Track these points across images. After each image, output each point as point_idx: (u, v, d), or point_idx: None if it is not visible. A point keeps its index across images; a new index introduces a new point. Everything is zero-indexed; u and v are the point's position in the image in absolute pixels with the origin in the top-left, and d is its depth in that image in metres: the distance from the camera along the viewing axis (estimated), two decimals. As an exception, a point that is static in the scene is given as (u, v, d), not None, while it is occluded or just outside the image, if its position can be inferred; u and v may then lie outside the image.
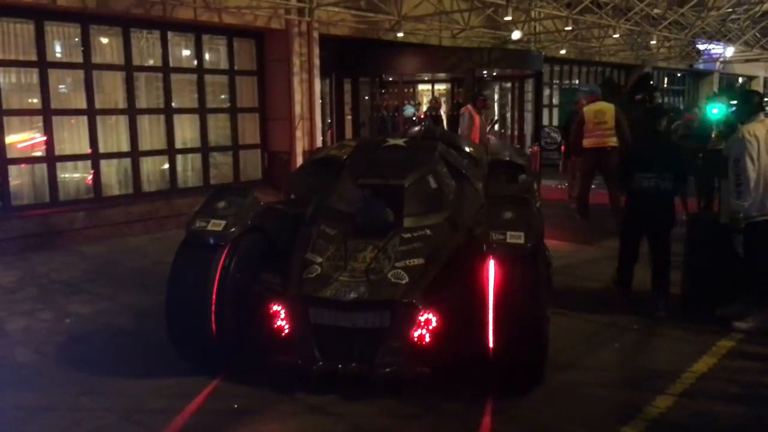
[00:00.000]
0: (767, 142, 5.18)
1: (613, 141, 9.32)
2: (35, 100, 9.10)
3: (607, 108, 9.49)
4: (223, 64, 11.47)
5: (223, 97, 11.53)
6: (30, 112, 9.17)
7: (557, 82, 20.72)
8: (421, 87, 18.22)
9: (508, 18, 12.72)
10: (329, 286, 4.11)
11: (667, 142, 6.92)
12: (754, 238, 5.26)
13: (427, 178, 5.13)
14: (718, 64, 25.22)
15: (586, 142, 9.50)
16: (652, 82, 21.30)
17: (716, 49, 21.85)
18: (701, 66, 25.50)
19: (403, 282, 4.10)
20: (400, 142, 5.84)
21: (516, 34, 13.74)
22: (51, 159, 9.17)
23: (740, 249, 5.38)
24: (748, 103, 5.46)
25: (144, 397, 4.12)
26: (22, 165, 9.10)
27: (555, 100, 20.69)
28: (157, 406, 3.98)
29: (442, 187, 5.16)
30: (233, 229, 4.35)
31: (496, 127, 17.46)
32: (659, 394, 4.15)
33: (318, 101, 11.88)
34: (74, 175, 9.70)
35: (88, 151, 9.58)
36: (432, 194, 5.03)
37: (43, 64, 8.97)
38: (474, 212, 5.05)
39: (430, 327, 4.04)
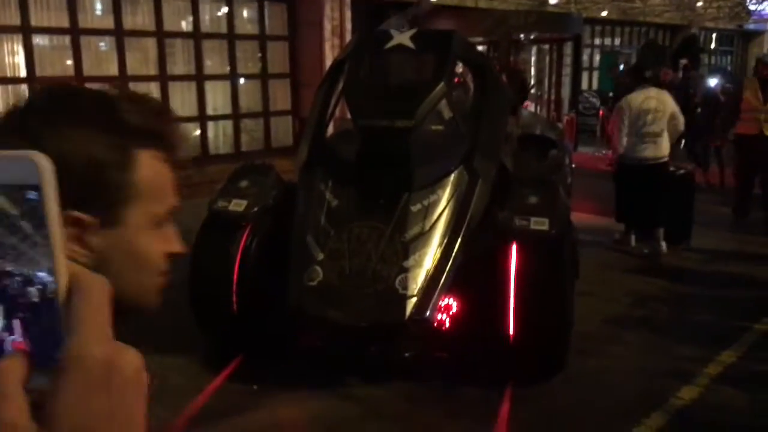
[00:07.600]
0: (640, 108, 6.51)
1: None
2: (69, 62, 9.15)
3: None
4: (254, 29, 11.35)
5: (253, 63, 11.45)
6: (61, 78, 9.23)
7: (598, 43, 20.09)
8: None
9: (547, -21, 12.31)
10: (333, 304, 3.78)
11: None
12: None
13: (439, 108, 4.67)
14: (769, 24, 24.16)
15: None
16: (698, 44, 20.51)
17: (768, 8, 20.91)
18: (751, 26, 24.43)
19: (414, 293, 3.75)
20: (407, 39, 4.78)
21: (555, -4, 13.30)
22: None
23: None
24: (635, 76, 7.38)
25: (165, 374, 4.17)
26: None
27: (595, 63, 20.09)
28: (178, 384, 4.02)
29: (457, 114, 4.75)
30: (255, 209, 4.34)
31: (532, 91, 17.06)
32: (685, 384, 4.06)
33: (350, 66, 11.69)
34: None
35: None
36: (446, 128, 4.67)
37: (76, 31, 9.00)
38: (501, 126, 4.77)
39: (450, 312, 3.99)
